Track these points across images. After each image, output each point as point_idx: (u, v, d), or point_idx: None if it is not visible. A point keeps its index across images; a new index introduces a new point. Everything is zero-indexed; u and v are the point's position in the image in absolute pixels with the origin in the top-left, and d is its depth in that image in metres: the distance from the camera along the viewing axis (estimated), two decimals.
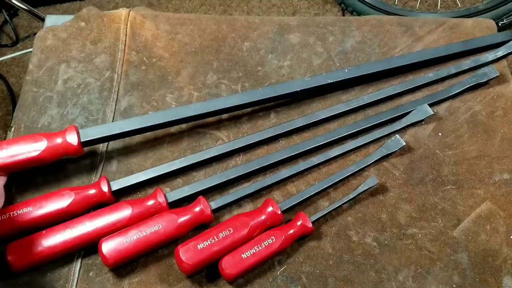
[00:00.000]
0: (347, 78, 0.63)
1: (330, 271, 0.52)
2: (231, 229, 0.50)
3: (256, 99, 0.60)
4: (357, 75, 0.63)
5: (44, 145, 0.52)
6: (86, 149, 0.58)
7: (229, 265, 0.48)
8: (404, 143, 0.59)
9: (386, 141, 0.59)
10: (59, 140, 0.53)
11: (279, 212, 0.52)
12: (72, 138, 0.53)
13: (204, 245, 0.49)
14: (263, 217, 0.52)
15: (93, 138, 0.54)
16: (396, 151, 0.59)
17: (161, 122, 0.56)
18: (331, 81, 0.62)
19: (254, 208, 0.55)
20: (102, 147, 0.59)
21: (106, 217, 0.51)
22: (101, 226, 0.50)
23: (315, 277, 0.52)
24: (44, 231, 0.50)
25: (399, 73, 0.66)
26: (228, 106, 0.59)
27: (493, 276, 0.52)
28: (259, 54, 0.67)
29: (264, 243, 0.50)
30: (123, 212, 0.51)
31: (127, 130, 0.56)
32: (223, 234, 0.50)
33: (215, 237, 0.49)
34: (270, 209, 0.52)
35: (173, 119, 0.57)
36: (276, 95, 0.60)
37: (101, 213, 0.51)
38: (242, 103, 0.59)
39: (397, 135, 0.59)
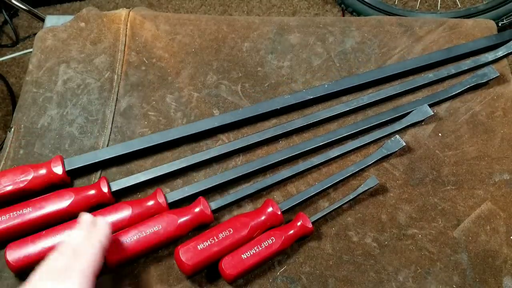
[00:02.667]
0: (328, 93, 0.63)
1: (330, 272, 0.52)
2: (231, 229, 0.50)
3: (237, 119, 0.60)
4: (341, 88, 0.63)
5: (30, 175, 0.53)
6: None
7: (229, 266, 0.48)
8: (404, 144, 0.59)
9: (386, 141, 0.59)
10: (44, 171, 0.53)
11: (279, 213, 0.52)
12: (57, 168, 0.54)
13: (204, 245, 0.49)
14: (263, 218, 0.52)
15: (78, 166, 0.55)
16: (396, 151, 0.59)
17: (146, 146, 0.57)
18: (311, 97, 0.62)
19: (254, 208, 0.55)
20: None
21: (106, 217, 0.51)
22: None
23: (315, 278, 0.52)
24: (44, 232, 0.50)
25: (395, 79, 0.66)
26: (207, 128, 0.59)
27: (493, 277, 0.52)
28: (259, 54, 0.67)
29: (264, 243, 0.50)
30: (123, 213, 0.51)
31: (113, 156, 0.56)
32: (223, 235, 0.50)
33: (215, 237, 0.49)
34: (270, 209, 0.52)
35: (157, 142, 0.58)
36: (255, 114, 0.61)
37: (101, 213, 0.51)
38: (222, 124, 0.60)
39: (397, 136, 0.59)
